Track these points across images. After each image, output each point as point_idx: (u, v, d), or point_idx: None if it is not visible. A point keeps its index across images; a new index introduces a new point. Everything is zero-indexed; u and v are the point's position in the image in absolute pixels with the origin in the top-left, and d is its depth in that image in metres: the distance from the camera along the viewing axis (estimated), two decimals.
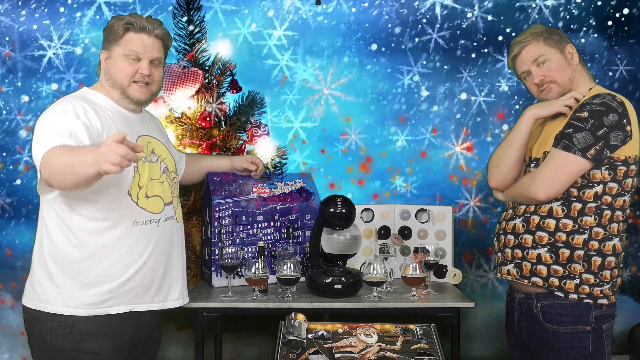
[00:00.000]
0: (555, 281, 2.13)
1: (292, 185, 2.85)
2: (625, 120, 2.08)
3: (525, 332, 2.23)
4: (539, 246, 2.15)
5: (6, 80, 3.27)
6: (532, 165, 2.25)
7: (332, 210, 2.57)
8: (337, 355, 2.06)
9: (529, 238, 2.17)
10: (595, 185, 2.11)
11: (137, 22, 2.19)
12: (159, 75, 2.26)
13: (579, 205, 2.12)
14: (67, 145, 1.91)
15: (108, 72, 2.20)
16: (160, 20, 2.28)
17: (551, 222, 2.14)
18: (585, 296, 2.11)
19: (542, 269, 2.14)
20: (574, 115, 2.12)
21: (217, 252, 2.67)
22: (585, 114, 2.08)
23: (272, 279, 2.62)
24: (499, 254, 2.27)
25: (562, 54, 2.23)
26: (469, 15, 3.35)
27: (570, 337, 2.12)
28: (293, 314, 2.23)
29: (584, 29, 3.35)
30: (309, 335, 2.17)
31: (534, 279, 2.16)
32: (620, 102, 2.10)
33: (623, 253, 2.18)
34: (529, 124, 2.25)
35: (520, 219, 2.20)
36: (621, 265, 2.18)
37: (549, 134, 2.21)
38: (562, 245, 2.12)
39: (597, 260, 2.11)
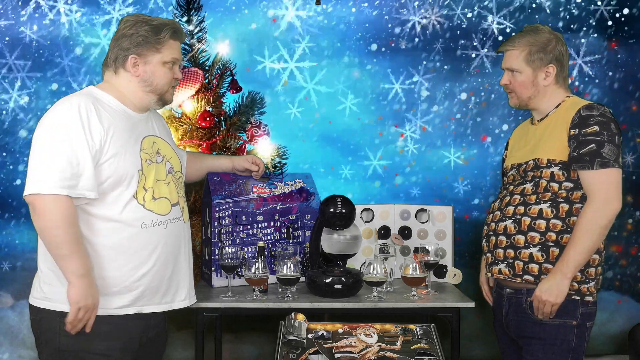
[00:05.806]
0: None
1: (292, 185, 2.85)
2: (614, 125, 2.17)
3: (512, 324, 2.28)
4: (531, 246, 2.20)
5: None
6: (513, 170, 2.32)
7: (332, 210, 2.57)
8: (337, 355, 2.06)
9: (521, 238, 2.22)
10: (582, 187, 2.18)
11: (179, 28, 2.24)
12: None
13: (566, 207, 2.18)
14: (72, 219, 1.98)
15: (146, 78, 2.18)
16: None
17: (542, 223, 2.20)
18: (573, 292, 2.17)
19: (534, 267, 2.21)
20: (581, 131, 2.14)
21: (217, 252, 2.66)
22: (596, 128, 2.13)
23: (272, 279, 2.61)
24: (489, 255, 2.33)
25: (534, 73, 2.27)
26: (469, 15, 3.35)
27: (556, 329, 2.18)
28: (293, 314, 2.24)
29: (584, 29, 3.35)
30: (309, 335, 2.17)
31: (526, 277, 2.22)
32: (606, 109, 2.19)
33: (604, 252, 2.25)
34: None
35: (511, 221, 2.25)
36: (602, 263, 2.24)
37: (536, 140, 2.27)
38: (553, 244, 2.19)
39: None
